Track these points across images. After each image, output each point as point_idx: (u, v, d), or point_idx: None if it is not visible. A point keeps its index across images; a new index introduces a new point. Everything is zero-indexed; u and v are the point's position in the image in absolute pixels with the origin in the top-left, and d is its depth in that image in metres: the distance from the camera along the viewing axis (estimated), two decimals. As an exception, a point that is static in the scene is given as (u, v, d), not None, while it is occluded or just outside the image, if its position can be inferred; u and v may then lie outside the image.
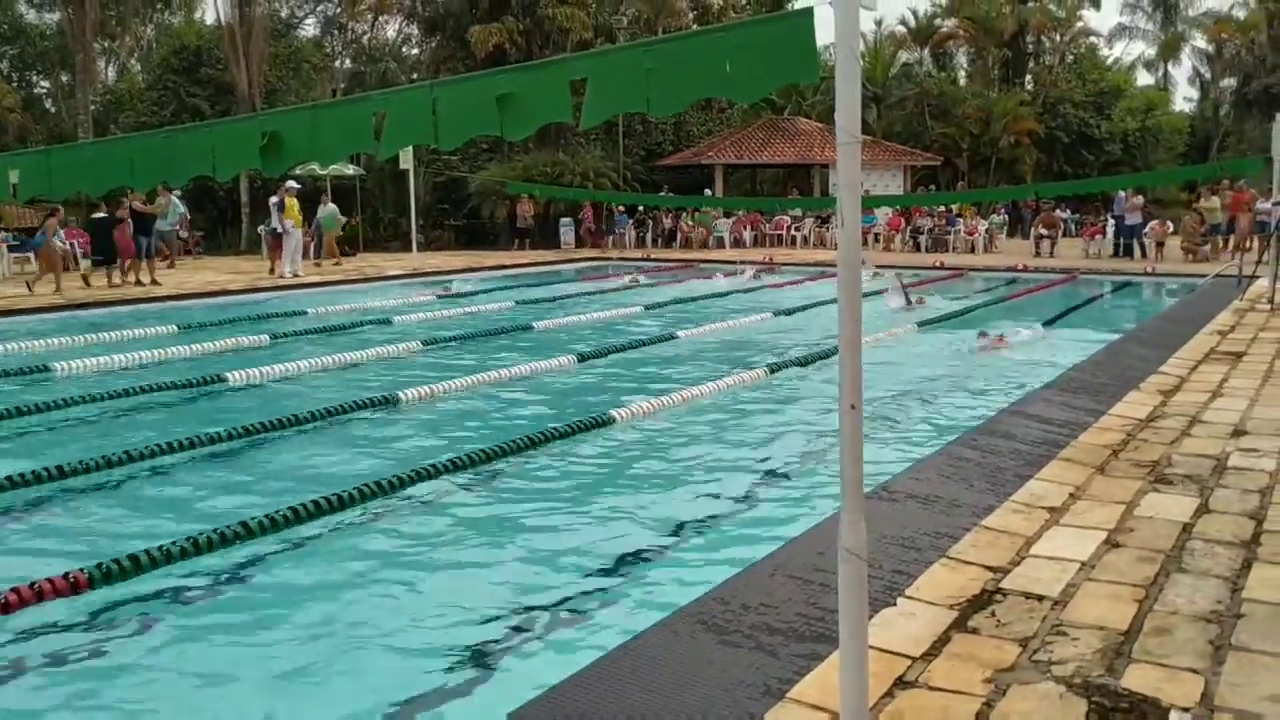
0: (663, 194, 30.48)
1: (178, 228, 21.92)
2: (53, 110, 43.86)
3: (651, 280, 20.06)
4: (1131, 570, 3.84)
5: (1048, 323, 12.65)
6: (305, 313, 14.46)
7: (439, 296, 16.89)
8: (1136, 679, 2.98)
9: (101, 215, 18.27)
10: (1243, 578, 3.75)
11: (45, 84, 45.13)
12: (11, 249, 21.32)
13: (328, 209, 22.89)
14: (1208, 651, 3.15)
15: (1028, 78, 44.73)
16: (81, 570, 4.43)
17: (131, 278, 17.94)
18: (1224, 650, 3.16)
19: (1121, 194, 23.09)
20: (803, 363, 9.83)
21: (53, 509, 5.74)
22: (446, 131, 3.19)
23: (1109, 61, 47.02)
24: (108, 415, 8.08)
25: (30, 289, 16.54)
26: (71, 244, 22.40)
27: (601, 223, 29.72)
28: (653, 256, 25.68)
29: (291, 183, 20.34)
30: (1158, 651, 3.16)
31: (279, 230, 20.11)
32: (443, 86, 3.29)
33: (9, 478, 5.88)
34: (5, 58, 42.85)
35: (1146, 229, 23.04)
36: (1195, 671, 3.02)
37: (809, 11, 2.74)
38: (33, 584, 4.26)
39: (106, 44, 42.79)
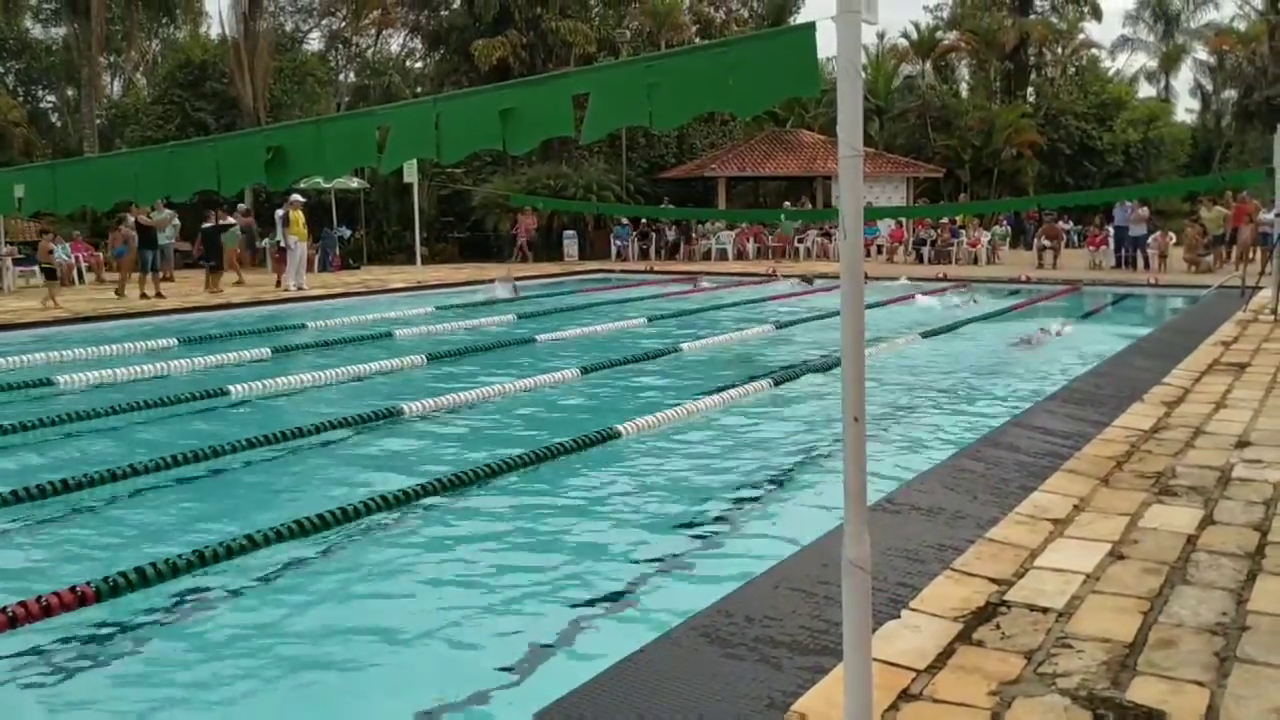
0: (664, 206, 30.58)
1: (174, 241, 21.99)
2: (58, 124, 44.03)
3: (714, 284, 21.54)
4: (1136, 582, 3.83)
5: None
6: (305, 326, 14.53)
7: (515, 298, 18.77)
8: (1141, 691, 2.97)
9: (209, 225, 19.42)
10: (1247, 589, 3.74)
11: (51, 98, 45.34)
12: (17, 262, 21.39)
13: (226, 223, 20.86)
14: (1213, 664, 3.14)
15: (1029, 90, 44.79)
16: (88, 584, 4.43)
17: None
18: (1229, 662, 3.15)
19: (1127, 204, 23.10)
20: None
21: (56, 523, 5.74)
22: (449, 145, 3.20)
23: (1110, 73, 47.16)
24: (110, 429, 8.08)
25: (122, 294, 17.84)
26: (76, 257, 22.51)
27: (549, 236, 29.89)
28: (656, 269, 25.72)
29: (296, 196, 20.38)
30: (1163, 664, 3.15)
31: (284, 244, 20.17)
32: (445, 101, 3.31)
33: (14, 492, 5.89)
34: (11, 72, 43.06)
35: (1150, 240, 23.05)
36: (1200, 684, 3.01)
37: (811, 26, 2.75)
38: (39, 598, 4.27)
39: (112, 58, 42.96)
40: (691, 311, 16.54)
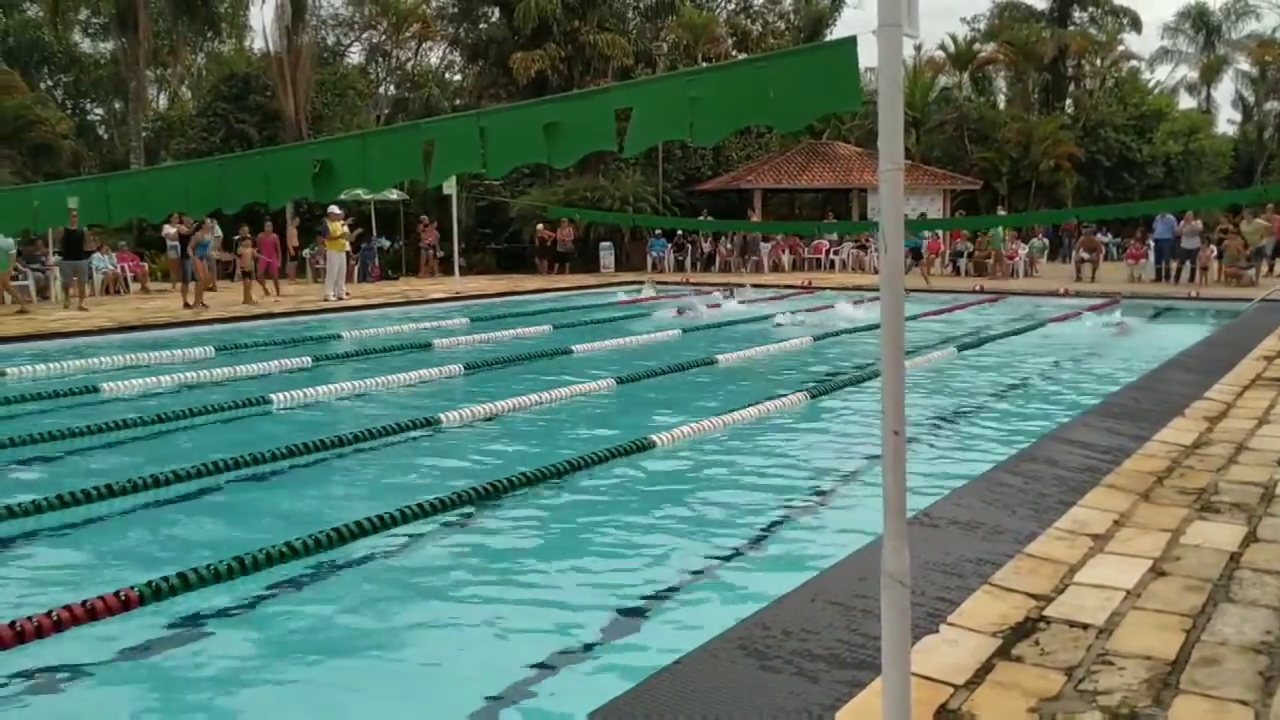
0: (702, 218, 30.62)
1: (214, 251, 22.30)
2: (105, 136, 44.94)
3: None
4: (1178, 599, 3.80)
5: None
6: (340, 336, 14.74)
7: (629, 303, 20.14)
8: (1184, 710, 2.95)
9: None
10: (1293, 608, 3.69)
11: (99, 111, 46.31)
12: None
13: (3, 242, 18.23)
14: (1257, 683, 3.11)
15: (1068, 101, 44.45)
16: (132, 588, 4.51)
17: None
18: (1274, 681, 3.12)
19: (1170, 217, 22.83)
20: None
21: (98, 528, 5.85)
22: (495, 159, 3.24)
23: (1150, 85, 46.67)
24: (152, 436, 8.22)
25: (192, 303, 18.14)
26: (123, 267, 22.90)
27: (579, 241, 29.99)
28: (692, 280, 25.73)
29: (334, 208, 20.62)
30: (1206, 682, 3.12)
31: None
32: (490, 115, 3.35)
33: (59, 496, 6.01)
34: (60, 85, 44.05)
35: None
36: (1244, 703, 2.98)
37: (852, 40, 2.76)
38: (84, 602, 4.35)
39: (158, 72, 43.81)
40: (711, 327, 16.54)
